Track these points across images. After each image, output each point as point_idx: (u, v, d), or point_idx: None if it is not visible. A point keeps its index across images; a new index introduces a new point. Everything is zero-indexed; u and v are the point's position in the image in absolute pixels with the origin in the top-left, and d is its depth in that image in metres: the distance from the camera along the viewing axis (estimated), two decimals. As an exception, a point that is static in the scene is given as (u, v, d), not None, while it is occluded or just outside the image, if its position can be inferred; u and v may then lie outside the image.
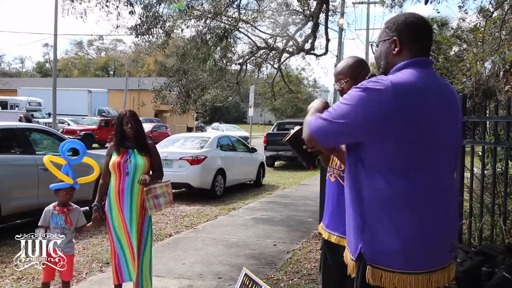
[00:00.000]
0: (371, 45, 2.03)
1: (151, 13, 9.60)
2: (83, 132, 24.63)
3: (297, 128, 2.30)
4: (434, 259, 1.76)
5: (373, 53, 2.01)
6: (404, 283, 1.71)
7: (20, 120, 9.72)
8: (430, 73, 1.84)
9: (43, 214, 3.65)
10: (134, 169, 3.87)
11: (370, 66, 3.00)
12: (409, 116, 1.69)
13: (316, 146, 1.98)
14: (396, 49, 1.86)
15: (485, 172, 4.59)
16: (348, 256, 1.92)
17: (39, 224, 3.61)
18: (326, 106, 2.14)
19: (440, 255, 1.78)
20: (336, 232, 2.51)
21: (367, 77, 2.12)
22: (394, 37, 1.86)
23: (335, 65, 2.68)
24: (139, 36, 10.09)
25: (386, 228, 1.72)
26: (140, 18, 9.71)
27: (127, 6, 9.12)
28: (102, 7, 9.29)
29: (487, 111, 5.08)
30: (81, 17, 9.81)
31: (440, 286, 1.77)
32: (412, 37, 1.85)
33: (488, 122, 4.79)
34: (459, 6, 9.29)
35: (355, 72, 2.47)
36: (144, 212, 3.89)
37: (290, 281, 4.73)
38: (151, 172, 4.02)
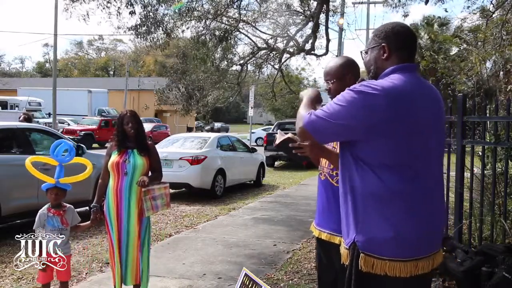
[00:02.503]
0: (361, 52, 2.15)
1: (151, 13, 9.60)
2: (83, 132, 24.62)
3: (279, 133, 2.47)
4: (422, 248, 1.90)
5: (363, 59, 2.15)
6: (394, 270, 1.85)
7: (21, 119, 9.67)
8: (416, 77, 2.00)
9: (37, 218, 3.59)
10: (133, 170, 3.86)
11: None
12: (400, 118, 1.84)
13: (308, 139, 2.09)
14: (385, 54, 2.01)
15: (485, 172, 4.59)
16: (342, 246, 2.06)
17: (34, 227, 3.57)
18: (318, 97, 2.30)
19: (427, 244, 1.93)
20: (326, 229, 2.52)
21: (357, 82, 2.19)
22: (383, 44, 2.01)
23: None
24: (139, 36, 10.09)
25: (378, 219, 1.86)
26: (140, 18, 9.71)
27: (127, 6, 9.12)
28: (103, 8, 9.30)
29: (487, 111, 5.08)
30: (84, 19, 9.81)
31: (425, 272, 1.90)
32: (399, 44, 2.00)
33: (488, 122, 4.79)
34: (468, 7, 9.35)
35: (342, 73, 2.48)
36: (142, 212, 3.89)
37: (290, 281, 4.73)
38: (150, 173, 4.02)
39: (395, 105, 1.82)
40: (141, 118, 4.16)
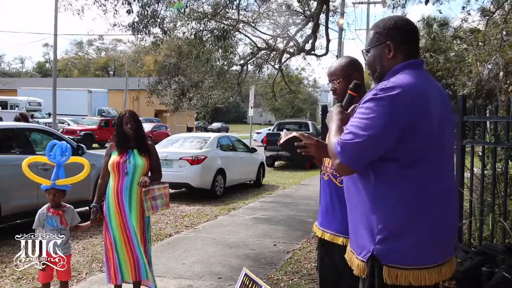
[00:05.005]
0: (363, 51, 2.06)
1: (149, 12, 9.59)
2: (83, 132, 24.61)
3: (284, 132, 2.39)
4: (444, 253, 1.86)
5: (365, 59, 2.05)
6: (418, 279, 1.79)
7: (17, 119, 9.64)
8: (425, 73, 1.93)
9: (36, 217, 3.61)
10: (134, 170, 3.87)
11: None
12: (421, 117, 1.76)
13: (348, 173, 1.88)
14: (391, 53, 1.92)
15: (485, 172, 4.59)
16: (354, 258, 1.94)
17: (33, 227, 3.58)
18: (345, 116, 2.05)
19: (447, 249, 1.89)
20: (329, 230, 2.51)
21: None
22: (388, 42, 1.92)
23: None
24: (136, 33, 10.07)
25: (400, 228, 1.79)
26: (138, 16, 9.69)
27: (124, 4, 9.10)
28: (100, 5, 9.29)
29: (487, 111, 5.08)
30: (78, 14, 9.84)
31: (448, 277, 1.87)
32: (404, 39, 1.92)
33: (488, 122, 4.79)
34: (463, 7, 9.37)
35: (347, 72, 2.48)
36: (143, 212, 3.90)
37: (290, 281, 4.73)
38: (149, 173, 4.02)
39: (417, 103, 1.75)
40: (140, 118, 4.17)
